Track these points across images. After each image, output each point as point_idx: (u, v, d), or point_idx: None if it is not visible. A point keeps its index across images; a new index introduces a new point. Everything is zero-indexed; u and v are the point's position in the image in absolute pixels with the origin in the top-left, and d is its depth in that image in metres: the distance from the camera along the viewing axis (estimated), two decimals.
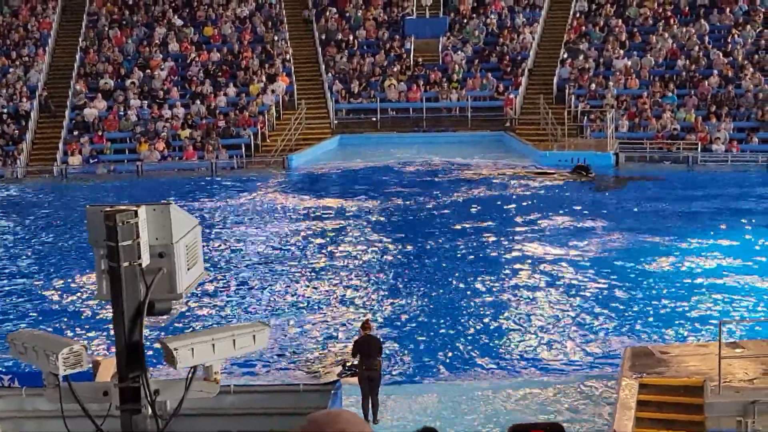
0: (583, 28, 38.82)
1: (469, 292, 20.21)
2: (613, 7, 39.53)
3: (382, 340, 15.46)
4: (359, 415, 2.15)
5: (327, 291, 20.75)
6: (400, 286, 20.98)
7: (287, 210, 28.40)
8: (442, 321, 18.55)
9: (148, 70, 37.66)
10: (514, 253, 22.90)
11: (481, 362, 16.60)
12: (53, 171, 33.55)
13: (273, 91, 36.77)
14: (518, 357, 16.81)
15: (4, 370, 13.19)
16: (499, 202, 28.05)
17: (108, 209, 4.31)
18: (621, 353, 14.89)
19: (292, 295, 20.52)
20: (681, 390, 12.93)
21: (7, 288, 21.70)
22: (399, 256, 23.27)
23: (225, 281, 21.57)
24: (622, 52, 37.17)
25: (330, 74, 37.72)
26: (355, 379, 14.87)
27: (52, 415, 6.56)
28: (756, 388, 12.70)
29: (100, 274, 4.40)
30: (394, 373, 16.18)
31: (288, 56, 38.54)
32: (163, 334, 13.27)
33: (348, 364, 15.67)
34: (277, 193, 30.55)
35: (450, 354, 16.88)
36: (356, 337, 14.45)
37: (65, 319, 19.18)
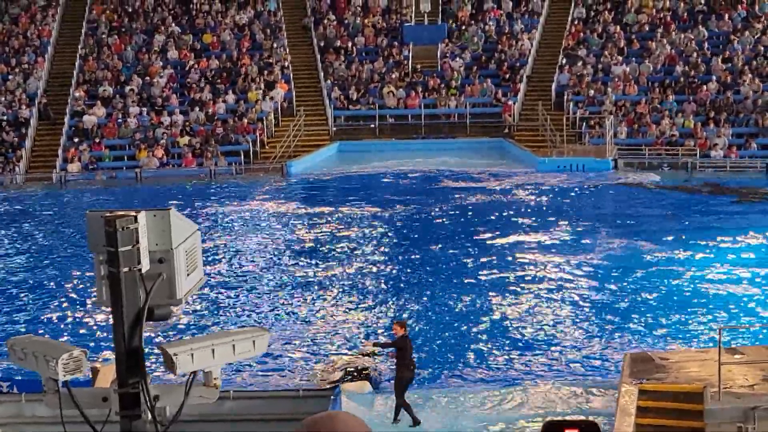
0: (582, 34, 38.89)
1: (470, 298, 20.20)
2: (612, 13, 39.60)
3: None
4: (358, 417, 2.12)
5: (327, 298, 20.73)
6: (402, 293, 20.96)
7: (286, 217, 28.40)
8: (443, 327, 18.53)
9: (147, 77, 37.70)
10: (516, 259, 22.89)
11: (481, 368, 16.59)
12: (52, 178, 33.55)
13: (272, 98, 36.81)
14: (518, 363, 16.79)
15: (3, 375, 13.17)
16: (506, 208, 28.08)
17: (108, 215, 4.30)
18: (621, 359, 14.88)
19: (292, 302, 20.51)
20: (681, 396, 12.92)
21: (6, 294, 21.69)
22: (399, 263, 23.26)
23: (224, 288, 21.55)
24: (620, 58, 37.23)
25: (329, 81, 37.76)
26: (355, 386, 14.88)
27: (51, 421, 6.56)
28: (756, 394, 12.69)
29: (100, 279, 4.39)
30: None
31: (287, 63, 38.58)
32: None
33: (351, 369, 15.65)
34: (276, 200, 30.55)
35: (451, 360, 16.85)
36: (398, 337, 14.28)
37: (65, 325, 19.18)
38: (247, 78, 37.64)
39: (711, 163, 32.31)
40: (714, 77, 35.69)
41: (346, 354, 17.01)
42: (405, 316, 18.93)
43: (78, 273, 22.51)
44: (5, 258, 24.94)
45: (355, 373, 15.19)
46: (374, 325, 18.97)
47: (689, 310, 19.12)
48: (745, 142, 33.23)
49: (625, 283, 20.86)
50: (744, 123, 34.10)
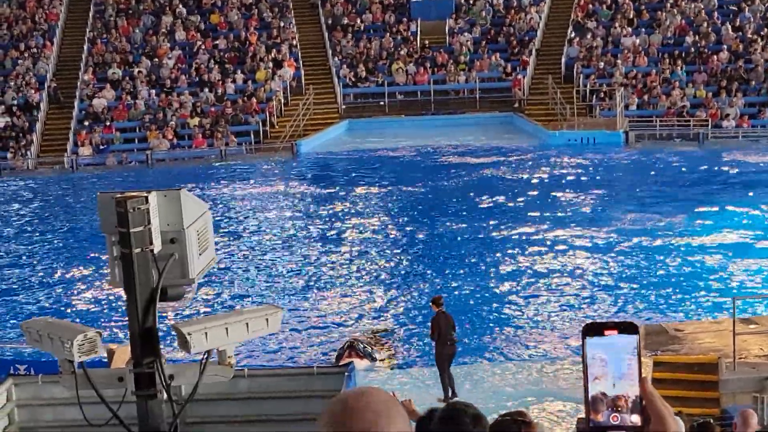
0: (591, 6, 38.61)
1: (484, 273, 20.22)
2: None
3: (400, 324, 15.52)
4: (389, 393, 2.07)
5: (339, 275, 20.78)
6: (413, 270, 20.99)
7: (297, 196, 28.42)
8: (455, 303, 18.54)
9: (156, 59, 37.66)
10: (526, 234, 22.87)
11: (492, 344, 16.62)
12: (64, 162, 33.63)
13: (280, 77, 36.73)
14: (530, 339, 16.81)
15: (24, 357, 13.26)
16: (511, 184, 28.02)
17: (119, 196, 4.31)
18: None
19: (305, 280, 20.55)
20: (695, 367, 12.93)
21: (20, 277, 21.81)
22: (412, 240, 23.27)
23: (237, 267, 21.62)
24: (630, 29, 36.97)
25: (337, 59, 37.65)
26: (364, 362, 14.98)
27: (68, 402, 6.61)
28: None
29: (113, 260, 4.40)
30: (409, 357, 16.26)
31: (294, 42, 38.47)
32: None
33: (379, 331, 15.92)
34: (287, 179, 30.56)
35: (470, 335, 16.86)
36: (435, 316, 14.27)
37: (79, 307, 19.28)
38: (256, 57, 37.55)
39: (723, 133, 32.13)
40: (725, 46, 35.41)
41: (358, 331, 17.07)
42: (413, 292, 18.95)
43: (91, 255, 22.59)
44: (19, 242, 25.04)
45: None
46: (388, 302, 19.01)
47: (703, 281, 19.09)
48: (758, 112, 33.01)
49: (638, 255, 20.82)
50: (756, 92, 33.86)
